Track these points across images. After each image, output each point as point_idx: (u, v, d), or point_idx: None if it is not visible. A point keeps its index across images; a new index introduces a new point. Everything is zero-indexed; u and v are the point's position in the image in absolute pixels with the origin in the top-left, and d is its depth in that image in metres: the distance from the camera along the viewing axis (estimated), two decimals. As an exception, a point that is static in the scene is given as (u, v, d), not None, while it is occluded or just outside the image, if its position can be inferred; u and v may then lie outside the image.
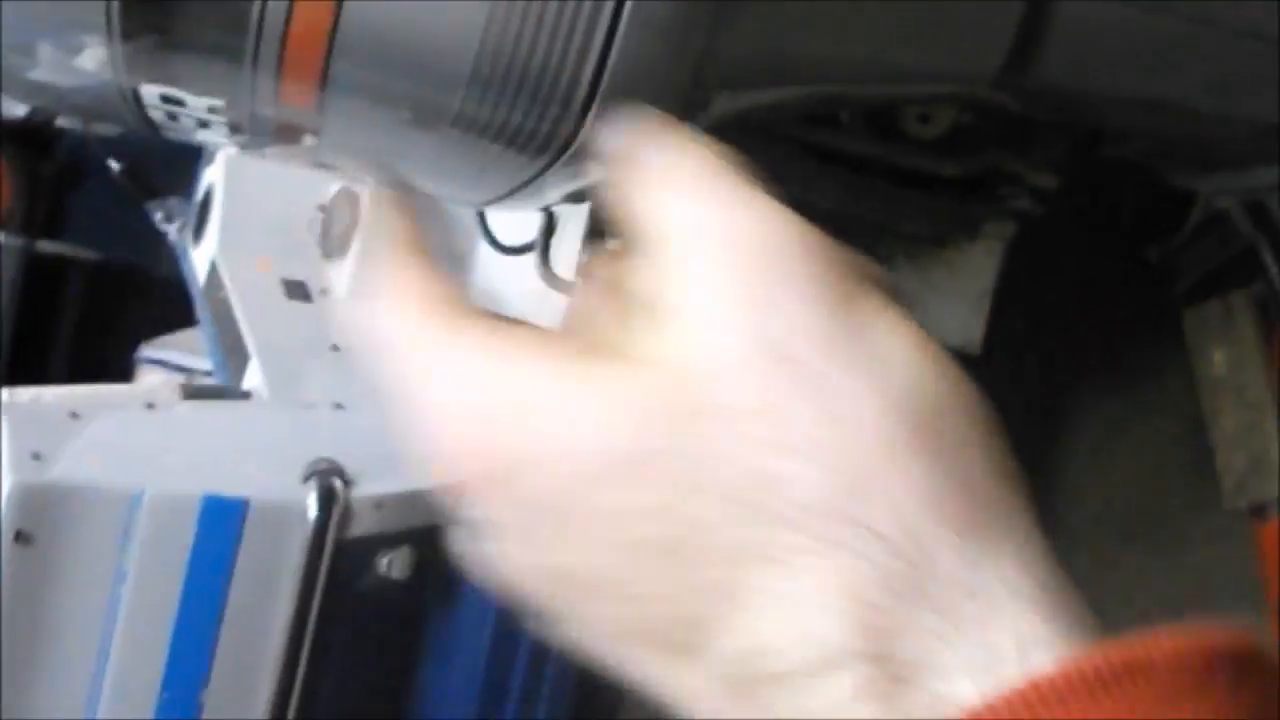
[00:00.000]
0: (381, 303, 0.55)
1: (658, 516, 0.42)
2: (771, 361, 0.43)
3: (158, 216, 2.82)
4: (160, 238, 2.85)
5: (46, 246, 4.34)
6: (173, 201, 2.73)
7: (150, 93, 1.05)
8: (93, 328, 4.46)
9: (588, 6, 0.93)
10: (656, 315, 0.46)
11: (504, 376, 0.47)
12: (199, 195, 2.25)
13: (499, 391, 0.46)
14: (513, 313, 1.83)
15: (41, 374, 4.37)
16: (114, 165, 2.96)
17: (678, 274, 0.45)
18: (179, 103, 1.05)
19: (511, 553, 0.47)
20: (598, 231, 1.54)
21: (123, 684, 1.35)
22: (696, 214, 0.47)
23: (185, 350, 2.76)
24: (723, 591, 0.40)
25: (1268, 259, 1.76)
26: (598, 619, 0.45)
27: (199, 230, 2.19)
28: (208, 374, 2.13)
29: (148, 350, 3.09)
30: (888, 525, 0.40)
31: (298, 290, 1.97)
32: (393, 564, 1.42)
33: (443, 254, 1.87)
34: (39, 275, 4.29)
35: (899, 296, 0.49)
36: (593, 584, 0.44)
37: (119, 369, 3.29)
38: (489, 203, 1.31)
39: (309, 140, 1.11)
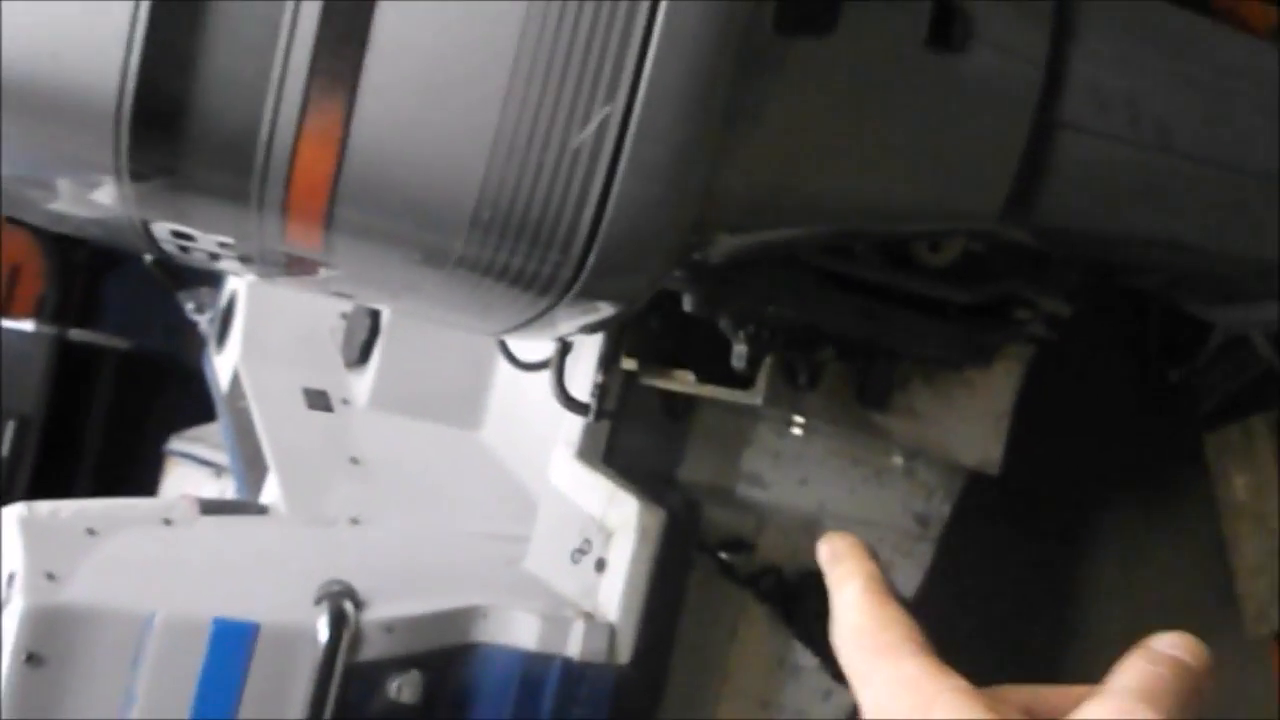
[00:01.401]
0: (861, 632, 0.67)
1: None
2: None
3: (189, 306, 2.84)
4: (191, 327, 2.87)
5: (78, 335, 4.39)
6: (204, 292, 2.75)
7: (161, 228, 1.06)
8: (124, 415, 4.48)
9: (586, 152, 0.94)
10: None
11: None
12: (222, 303, 2.27)
13: None
14: (529, 427, 1.83)
15: (72, 462, 4.40)
16: (146, 255, 2.97)
17: None
18: (189, 237, 1.07)
19: None
20: (612, 354, 1.55)
21: (130, 806, 1.35)
22: None
23: (214, 444, 2.78)
24: None
25: (1289, 383, 1.75)
26: None
27: (222, 338, 2.21)
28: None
29: (177, 443, 3.11)
30: None
31: (319, 400, 1.98)
32: (402, 688, 1.42)
33: (464, 366, 1.88)
34: (71, 363, 4.34)
35: None
36: None
37: (150, 457, 3.31)
38: (500, 334, 1.32)
39: (319, 274, 1.12)
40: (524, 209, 0.95)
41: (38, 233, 4.43)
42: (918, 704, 0.62)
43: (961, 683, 0.63)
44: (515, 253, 0.98)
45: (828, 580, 0.70)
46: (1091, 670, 0.61)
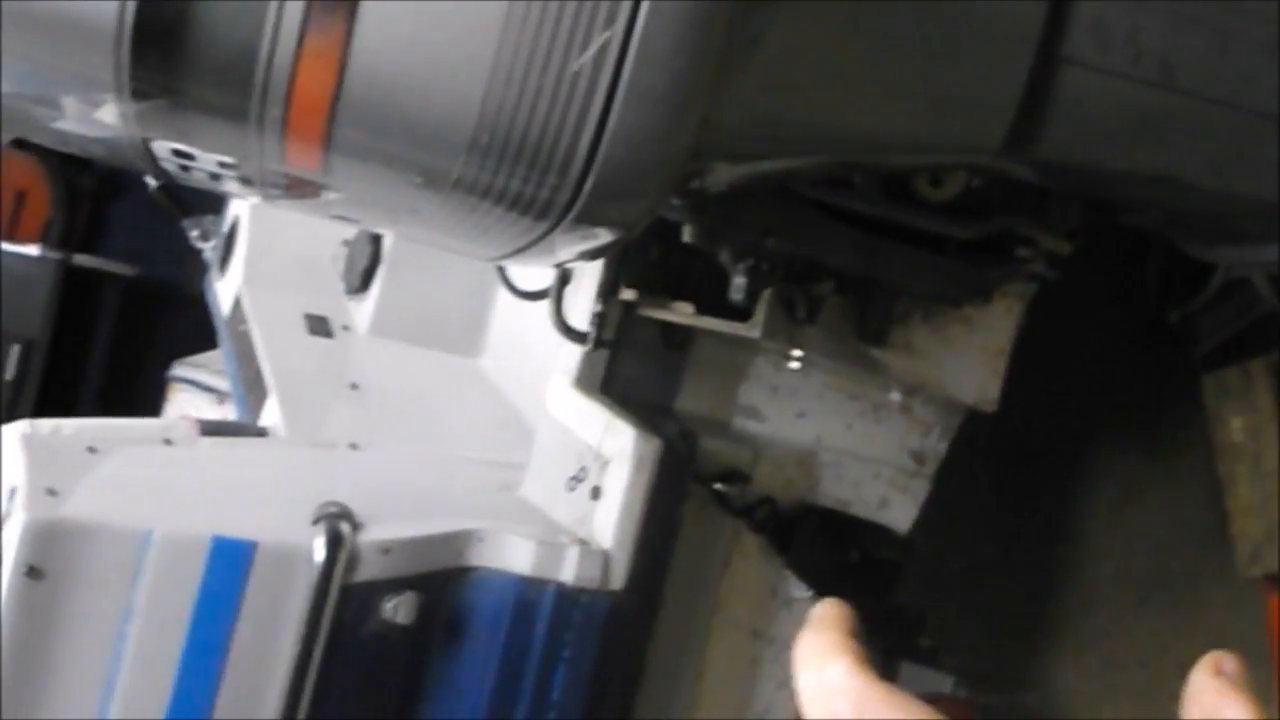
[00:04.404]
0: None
1: None
2: None
3: (193, 234, 2.85)
4: (195, 255, 2.88)
5: (83, 260, 4.41)
6: (208, 219, 2.76)
7: (162, 146, 1.07)
8: (127, 342, 4.52)
9: (585, 77, 0.95)
10: None
11: None
12: (225, 227, 2.27)
13: None
14: (529, 356, 1.84)
15: (76, 387, 4.43)
16: (151, 182, 2.99)
17: None
18: (190, 157, 1.07)
19: None
20: (611, 284, 1.55)
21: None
22: None
23: (217, 370, 2.79)
24: None
25: (1289, 327, 1.75)
26: None
27: (224, 262, 2.21)
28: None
29: (179, 369, 3.13)
30: None
31: (320, 325, 1.99)
32: (398, 609, 1.43)
33: (464, 295, 1.89)
34: (76, 288, 4.36)
35: None
36: None
37: (153, 383, 3.33)
38: (499, 259, 1.33)
39: (320, 197, 1.13)
40: (522, 132, 0.96)
41: (45, 159, 4.44)
42: None
43: None
44: (513, 176, 0.99)
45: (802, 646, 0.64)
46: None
